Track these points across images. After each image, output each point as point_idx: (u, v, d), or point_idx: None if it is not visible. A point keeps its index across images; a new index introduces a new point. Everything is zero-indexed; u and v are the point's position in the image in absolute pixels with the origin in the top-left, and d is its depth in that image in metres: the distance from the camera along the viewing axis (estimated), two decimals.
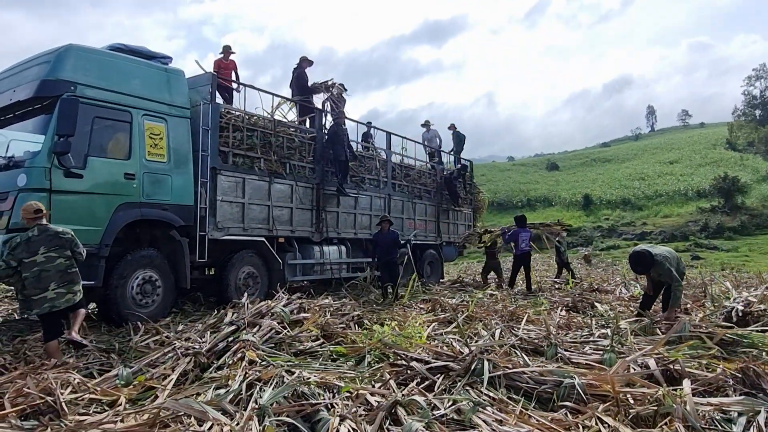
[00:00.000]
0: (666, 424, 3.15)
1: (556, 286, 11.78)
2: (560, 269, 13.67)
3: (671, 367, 4.06)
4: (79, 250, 4.94)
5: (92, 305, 7.47)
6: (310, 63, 10.74)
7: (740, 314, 6.05)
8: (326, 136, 10.01)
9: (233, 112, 8.54)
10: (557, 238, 12.77)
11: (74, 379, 3.97)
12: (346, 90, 10.82)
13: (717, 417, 3.23)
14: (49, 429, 3.22)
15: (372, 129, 12.49)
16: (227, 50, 9.78)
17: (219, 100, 8.90)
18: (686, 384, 3.56)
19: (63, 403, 3.50)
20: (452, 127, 14.95)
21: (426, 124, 14.33)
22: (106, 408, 3.65)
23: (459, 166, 14.35)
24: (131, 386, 4.05)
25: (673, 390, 3.47)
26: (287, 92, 10.57)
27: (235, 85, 9.59)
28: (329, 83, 10.65)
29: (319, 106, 10.47)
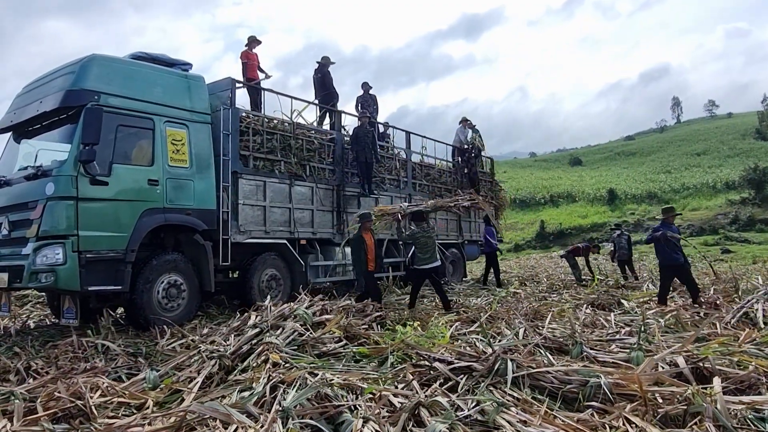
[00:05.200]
0: (696, 423, 3.06)
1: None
2: (623, 267, 12.64)
3: (701, 365, 3.96)
4: None
5: (120, 309, 7.62)
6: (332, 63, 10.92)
7: None
8: (349, 138, 10.05)
9: (252, 116, 8.62)
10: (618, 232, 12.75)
11: (103, 383, 4.05)
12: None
13: (750, 416, 3.14)
14: None
15: (389, 129, 12.47)
16: (254, 41, 9.78)
17: (246, 95, 9.07)
18: (717, 382, 3.46)
19: (93, 407, 3.58)
20: (470, 123, 14.80)
21: (464, 121, 14.13)
22: (135, 411, 3.72)
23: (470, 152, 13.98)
24: (158, 389, 4.13)
25: (703, 389, 3.38)
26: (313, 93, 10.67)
27: (262, 76, 9.72)
28: None
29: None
